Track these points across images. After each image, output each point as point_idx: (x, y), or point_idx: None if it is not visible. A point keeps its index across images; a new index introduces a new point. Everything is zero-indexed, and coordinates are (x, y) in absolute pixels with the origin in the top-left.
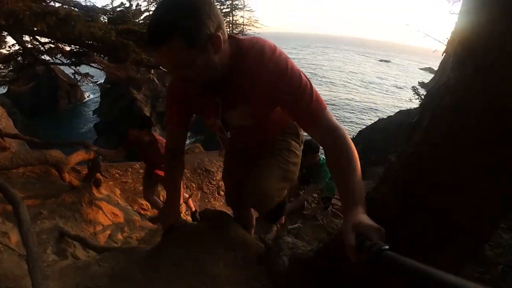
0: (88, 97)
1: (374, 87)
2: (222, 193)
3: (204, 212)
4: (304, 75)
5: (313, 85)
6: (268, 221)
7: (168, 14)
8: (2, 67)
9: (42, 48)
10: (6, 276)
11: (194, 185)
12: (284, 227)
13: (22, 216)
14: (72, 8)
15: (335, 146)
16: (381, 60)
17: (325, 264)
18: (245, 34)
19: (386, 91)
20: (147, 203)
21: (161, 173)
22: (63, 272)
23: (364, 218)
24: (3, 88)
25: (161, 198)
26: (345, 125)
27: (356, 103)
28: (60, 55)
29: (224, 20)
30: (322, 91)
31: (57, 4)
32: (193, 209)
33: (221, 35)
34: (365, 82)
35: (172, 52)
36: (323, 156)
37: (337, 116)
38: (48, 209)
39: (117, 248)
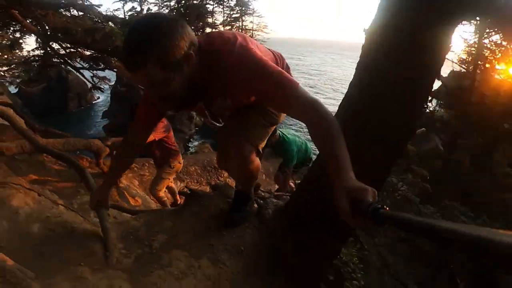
0: (97, 98)
1: None
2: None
3: (215, 184)
4: (268, 59)
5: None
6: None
7: (142, 39)
8: (16, 68)
9: (63, 52)
10: (71, 221)
11: (203, 180)
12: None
13: (88, 179)
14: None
15: (314, 119)
16: None
17: (290, 211)
18: (254, 39)
19: None
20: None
21: (169, 147)
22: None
23: (354, 182)
24: (15, 88)
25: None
26: None
27: None
28: (79, 59)
29: (234, 25)
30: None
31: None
32: (178, 201)
33: (193, 53)
34: None
35: (148, 75)
36: (281, 131)
37: None
38: (84, 188)
39: (148, 210)
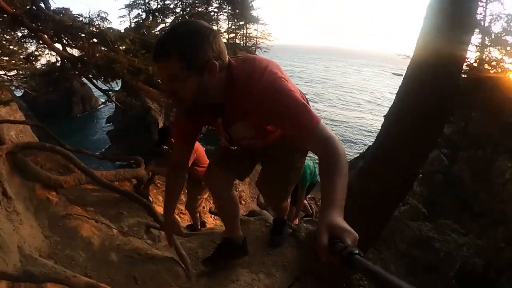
0: (102, 104)
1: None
2: (243, 202)
3: (253, 211)
4: (296, 91)
5: (307, 100)
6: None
7: (174, 34)
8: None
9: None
10: (141, 247)
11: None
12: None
13: (156, 213)
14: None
15: (324, 151)
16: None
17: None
18: (258, 47)
19: None
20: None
21: (201, 169)
22: (164, 249)
23: (339, 220)
24: (20, 91)
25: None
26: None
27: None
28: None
29: (238, 33)
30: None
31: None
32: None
33: (217, 64)
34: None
35: (168, 67)
36: None
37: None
38: (125, 210)
39: (199, 232)
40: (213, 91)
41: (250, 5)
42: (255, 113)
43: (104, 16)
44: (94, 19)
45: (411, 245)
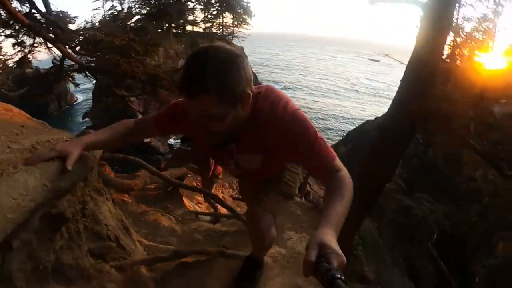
0: (77, 99)
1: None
2: None
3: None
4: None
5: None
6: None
7: (206, 68)
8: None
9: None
10: (213, 228)
11: (226, 184)
12: None
13: (226, 204)
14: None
15: (334, 182)
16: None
17: None
18: (235, 36)
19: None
20: (203, 199)
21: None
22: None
23: (331, 240)
24: None
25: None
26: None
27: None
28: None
29: (214, 22)
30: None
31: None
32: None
33: (250, 92)
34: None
35: (204, 104)
36: None
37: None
38: (169, 204)
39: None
40: (241, 121)
41: None
42: (276, 145)
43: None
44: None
45: (396, 213)
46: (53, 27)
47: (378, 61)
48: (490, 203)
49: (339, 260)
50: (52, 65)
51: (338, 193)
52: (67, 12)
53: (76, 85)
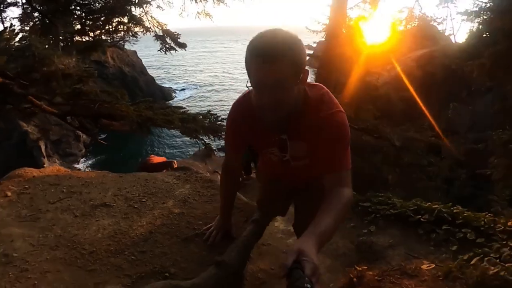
0: None
1: None
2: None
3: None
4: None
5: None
6: None
7: (281, 39)
8: None
9: None
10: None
11: None
12: None
13: None
14: None
15: (335, 194)
16: None
17: None
18: (126, 40)
19: None
20: None
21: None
22: None
23: (311, 251)
24: None
25: None
26: None
27: None
28: None
29: (103, 28)
30: None
31: None
32: None
33: (307, 70)
34: None
35: (279, 71)
36: None
37: None
38: None
39: None
40: (295, 103)
41: None
42: (315, 132)
43: None
44: None
45: None
46: None
47: None
48: None
49: (313, 269)
50: None
51: (334, 208)
52: None
53: None
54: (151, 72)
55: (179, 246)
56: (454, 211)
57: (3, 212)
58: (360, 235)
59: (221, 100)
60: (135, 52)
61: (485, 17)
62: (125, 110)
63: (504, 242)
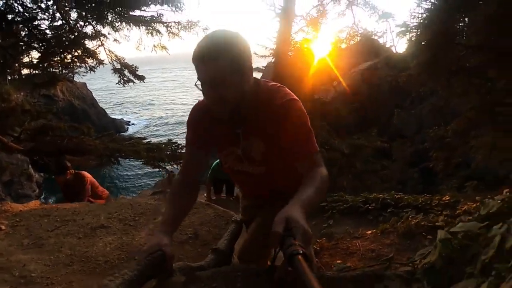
0: None
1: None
2: None
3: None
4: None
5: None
6: None
7: (225, 38)
8: None
9: None
10: None
11: None
12: None
13: None
14: None
15: (312, 172)
16: None
17: None
18: (76, 72)
19: None
20: None
21: (101, 201)
22: None
23: (299, 216)
24: None
25: None
26: None
27: None
28: None
29: (52, 60)
30: None
31: None
32: None
33: (251, 75)
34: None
35: (218, 70)
36: None
37: None
38: None
39: None
40: (246, 97)
41: None
42: (275, 128)
43: None
44: None
45: None
46: None
47: None
48: None
49: (305, 235)
50: None
51: (313, 182)
52: None
53: None
54: (102, 104)
55: (177, 247)
56: (396, 197)
57: (4, 243)
58: (321, 229)
59: (174, 130)
60: (85, 84)
61: (414, 31)
62: (93, 144)
63: (439, 212)
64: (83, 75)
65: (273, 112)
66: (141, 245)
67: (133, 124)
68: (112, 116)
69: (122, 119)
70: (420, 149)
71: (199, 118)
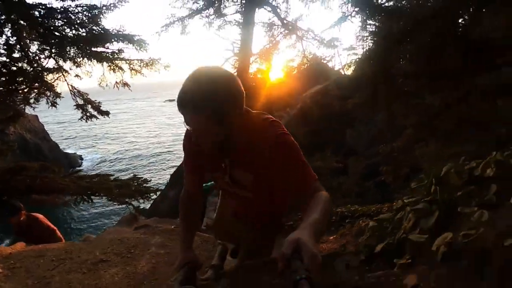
0: None
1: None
2: None
3: None
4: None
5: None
6: None
7: (206, 88)
8: None
9: None
10: None
11: None
12: None
13: None
14: None
15: (313, 199)
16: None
17: None
18: (28, 105)
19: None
20: None
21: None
22: None
23: (309, 241)
24: None
25: None
26: None
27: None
28: None
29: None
30: None
31: None
32: None
33: (236, 110)
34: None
35: (199, 123)
36: None
37: None
38: None
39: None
40: (233, 134)
41: None
42: (265, 162)
43: None
44: None
45: None
46: None
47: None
48: None
49: (313, 259)
50: None
51: (318, 206)
52: None
53: None
54: (54, 138)
55: (175, 272)
56: (352, 209)
57: (7, 286)
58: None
59: (131, 163)
60: (36, 116)
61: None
62: (64, 183)
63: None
64: (34, 108)
65: (264, 147)
66: (145, 272)
67: (87, 158)
68: (65, 151)
69: (75, 153)
70: (372, 163)
71: (189, 143)
